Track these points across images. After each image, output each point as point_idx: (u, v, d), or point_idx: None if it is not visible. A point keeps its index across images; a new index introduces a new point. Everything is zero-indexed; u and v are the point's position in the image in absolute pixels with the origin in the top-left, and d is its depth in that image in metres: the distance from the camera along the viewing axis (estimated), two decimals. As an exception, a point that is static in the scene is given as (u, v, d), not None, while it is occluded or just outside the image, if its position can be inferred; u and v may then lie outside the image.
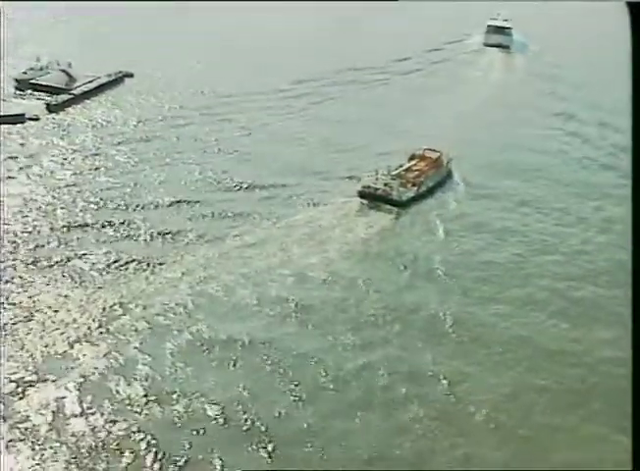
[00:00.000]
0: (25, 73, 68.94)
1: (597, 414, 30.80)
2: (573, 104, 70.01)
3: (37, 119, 62.36)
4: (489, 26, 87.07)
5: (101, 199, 48.77)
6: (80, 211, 47.08)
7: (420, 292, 39.11)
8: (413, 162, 53.80)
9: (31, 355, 32.80)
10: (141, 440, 28.41)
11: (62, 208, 47.35)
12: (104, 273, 39.98)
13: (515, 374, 33.15)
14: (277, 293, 37.99)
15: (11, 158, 54.58)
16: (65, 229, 44.65)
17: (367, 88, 72.60)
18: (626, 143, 59.75)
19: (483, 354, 34.12)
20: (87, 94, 67.93)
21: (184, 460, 27.71)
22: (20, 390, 30.76)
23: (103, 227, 45.07)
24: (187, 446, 28.28)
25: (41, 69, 69.32)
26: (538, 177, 55.39)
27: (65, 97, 66.14)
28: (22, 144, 57.88)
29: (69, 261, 40.90)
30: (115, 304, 36.65)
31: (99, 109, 66.06)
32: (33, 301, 36.76)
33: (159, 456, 27.81)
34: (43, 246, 42.38)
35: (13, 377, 31.38)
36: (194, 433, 28.99)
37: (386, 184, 49.92)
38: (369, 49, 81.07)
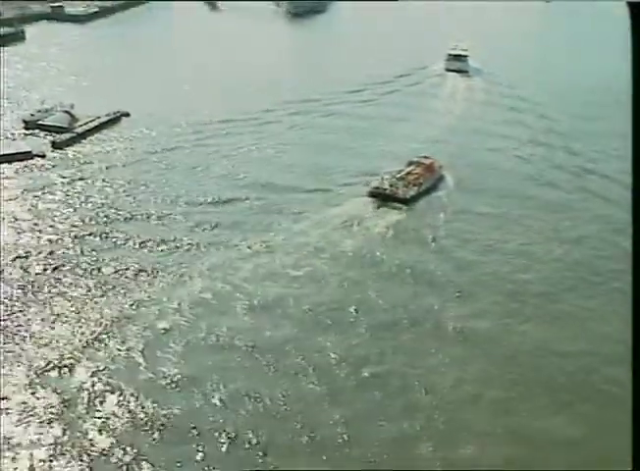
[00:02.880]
0: (32, 115, 74.26)
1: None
2: (508, 100, 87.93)
3: (43, 155, 67.36)
4: (449, 54, 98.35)
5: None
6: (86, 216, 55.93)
7: (424, 254, 52.39)
8: (412, 167, 63.52)
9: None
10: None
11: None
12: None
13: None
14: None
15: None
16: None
17: (360, 107, 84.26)
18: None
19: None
20: (88, 132, 73.29)
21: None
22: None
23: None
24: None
25: (47, 111, 74.59)
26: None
27: (68, 136, 71.29)
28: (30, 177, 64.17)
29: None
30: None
31: (98, 145, 71.36)
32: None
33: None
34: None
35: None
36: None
37: (392, 186, 59.66)
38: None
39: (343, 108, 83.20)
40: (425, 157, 64.76)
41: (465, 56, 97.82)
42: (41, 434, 33.25)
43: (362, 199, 59.13)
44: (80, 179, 63.14)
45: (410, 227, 55.81)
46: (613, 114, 74.16)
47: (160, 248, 50.78)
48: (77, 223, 54.90)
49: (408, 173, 62.49)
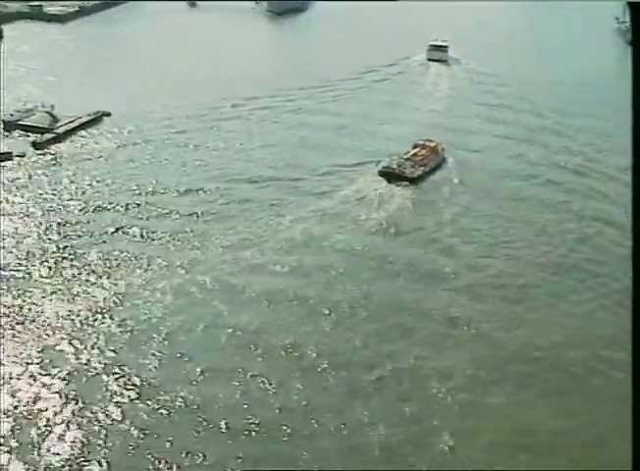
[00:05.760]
0: (11, 115, 73.13)
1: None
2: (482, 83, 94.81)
3: (23, 156, 66.62)
4: (430, 45, 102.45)
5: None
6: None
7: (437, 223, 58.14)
8: (417, 149, 68.14)
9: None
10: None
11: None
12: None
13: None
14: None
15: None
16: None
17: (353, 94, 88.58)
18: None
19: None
20: (70, 132, 72.47)
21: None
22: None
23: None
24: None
25: (27, 111, 73.68)
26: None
27: (49, 136, 70.48)
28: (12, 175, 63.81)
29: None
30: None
31: (80, 145, 70.75)
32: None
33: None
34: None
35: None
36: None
37: (400, 166, 64.50)
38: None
39: (334, 95, 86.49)
40: (429, 140, 69.55)
41: (445, 46, 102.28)
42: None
43: (373, 178, 63.75)
44: (60, 178, 63.44)
45: (419, 202, 61.55)
46: (574, 85, 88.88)
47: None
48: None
49: (415, 154, 66.78)
